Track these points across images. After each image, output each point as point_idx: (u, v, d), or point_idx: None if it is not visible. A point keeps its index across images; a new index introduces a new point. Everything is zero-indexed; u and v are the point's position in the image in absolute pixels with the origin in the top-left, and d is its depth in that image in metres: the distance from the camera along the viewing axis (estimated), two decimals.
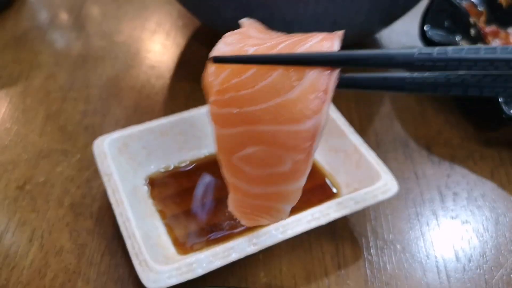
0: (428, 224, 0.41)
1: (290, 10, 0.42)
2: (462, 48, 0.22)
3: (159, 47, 0.59)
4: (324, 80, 0.24)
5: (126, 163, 0.40)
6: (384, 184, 0.37)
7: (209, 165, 0.42)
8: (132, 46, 0.59)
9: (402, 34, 0.60)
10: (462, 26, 0.52)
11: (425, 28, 0.50)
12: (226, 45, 0.26)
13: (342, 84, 0.26)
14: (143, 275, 0.32)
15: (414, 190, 0.43)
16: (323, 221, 0.35)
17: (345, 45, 0.53)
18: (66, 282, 0.37)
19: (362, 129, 0.48)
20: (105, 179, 0.37)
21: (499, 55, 0.22)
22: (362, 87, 0.26)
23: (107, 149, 0.39)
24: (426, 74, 0.24)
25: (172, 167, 0.42)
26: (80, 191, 0.43)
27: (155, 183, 0.41)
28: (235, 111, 0.25)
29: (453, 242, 0.40)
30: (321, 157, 0.43)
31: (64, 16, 0.64)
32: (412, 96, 0.52)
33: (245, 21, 0.29)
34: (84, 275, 0.37)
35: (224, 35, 0.27)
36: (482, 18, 0.56)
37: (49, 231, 0.40)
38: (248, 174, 0.27)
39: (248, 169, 0.26)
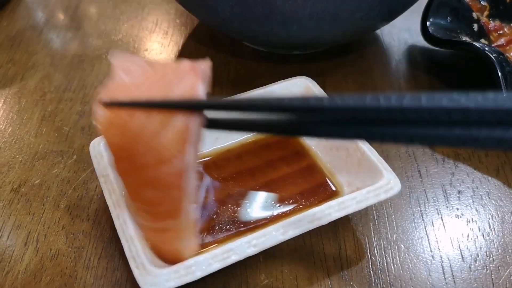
0: (432, 224, 0.40)
1: (289, 7, 0.41)
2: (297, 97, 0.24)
3: (157, 46, 0.58)
4: (187, 124, 0.27)
5: None
6: (387, 183, 0.36)
7: (207, 166, 0.41)
8: (130, 45, 0.58)
9: (404, 30, 0.59)
10: (464, 21, 0.52)
11: (427, 24, 0.49)
12: (108, 96, 0.29)
13: (210, 125, 0.29)
14: (141, 279, 0.31)
15: (418, 189, 0.42)
16: (324, 221, 0.34)
17: (346, 42, 0.52)
18: (62, 286, 0.36)
19: None
20: (101, 180, 0.37)
21: (381, 104, 0.21)
22: (228, 128, 0.29)
23: (104, 150, 0.38)
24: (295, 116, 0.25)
25: None
26: (77, 193, 0.42)
27: None
28: (126, 163, 0.30)
29: (458, 242, 0.39)
30: (322, 155, 0.42)
31: (59, 16, 0.63)
32: (413, 91, 0.51)
33: (113, 60, 0.31)
34: (80, 279, 0.36)
35: (100, 95, 0.29)
36: (485, 13, 0.55)
37: (44, 234, 0.39)
38: (150, 214, 0.32)
39: (148, 209, 0.32)
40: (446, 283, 0.36)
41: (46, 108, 0.49)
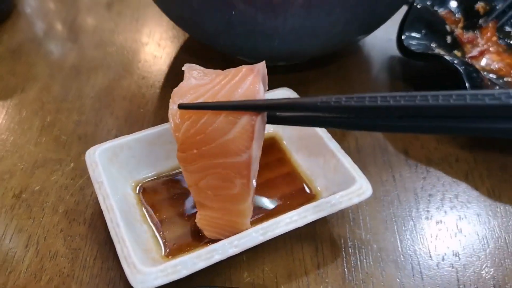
0: (404, 225, 0.43)
1: (270, 25, 0.44)
2: (351, 97, 0.28)
3: (150, 57, 0.61)
4: (251, 123, 0.32)
5: (116, 171, 0.42)
6: (359, 188, 0.39)
7: None
8: (124, 57, 0.61)
9: (384, 41, 0.62)
10: (438, 34, 0.55)
11: (402, 37, 0.52)
12: (181, 96, 0.35)
13: (273, 121, 0.35)
14: (132, 277, 0.34)
15: (392, 193, 0.46)
16: (300, 223, 0.37)
17: (328, 53, 0.55)
18: (61, 285, 0.39)
19: (343, 136, 0.50)
20: (96, 186, 0.40)
21: (379, 103, 0.27)
22: (289, 123, 0.36)
23: (98, 158, 0.41)
24: (333, 114, 0.30)
25: (160, 174, 0.44)
26: (74, 199, 0.45)
27: (144, 190, 0.43)
28: (195, 151, 0.34)
29: (427, 242, 0.42)
30: (302, 162, 0.45)
31: (58, 28, 0.66)
32: None
33: (185, 69, 0.37)
34: (77, 278, 0.39)
35: (174, 89, 0.35)
36: (460, 25, 0.58)
37: (44, 237, 0.42)
38: (210, 195, 0.36)
39: (209, 192, 0.36)
40: (414, 280, 0.39)
41: (45, 118, 0.52)
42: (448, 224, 0.43)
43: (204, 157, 0.34)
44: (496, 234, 0.43)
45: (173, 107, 0.35)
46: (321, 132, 0.44)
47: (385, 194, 0.45)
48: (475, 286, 0.39)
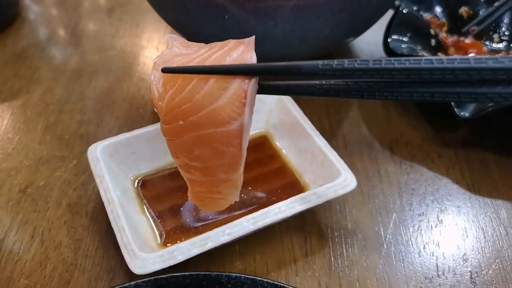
0: (387, 217, 0.46)
1: (261, 29, 0.47)
2: (355, 60, 0.28)
3: (148, 61, 0.64)
4: (244, 88, 0.30)
5: (116, 166, 0.45)
6: (344, 180, 0.42)
7: None
8: (124, 60, 0.64)
9: (372, 44, 0.65)
10: (423, 37, 0.58)
11: (388, 40, 0.54)
12: (163, 62, 0.32)
13: (263, 90, 0.32)
14: (131, 262, 0.37)
15: (377, 187, 0.48)
16: (288, 213, 0.40)
17: (317, 56, 0.58)
18: (64, 273, 0.42)
19: (331, 133, 0.53)
20: (97, 180, 0.42)
21: (383, 65, 0.26)
22: (281, 92, 0.34)
23: (100, 154, 0.44)
24: (332, 81, 0.30)
25: (158, 170, 0.47)
26: (77, 193, 0.48)
27: (143, 184, 0.46)
28: (181, 123, 0.31)
29: (409, 232, 0.44)
30: (291, 158, 0.48)
31: (60, 34, 0.69)
32: (378, 102, 0.57)
33: (167, 38, 0.34)
34: (80, 266, 0.42)
35: (156, 57, 0.32)
36: (444, 29, 0.61)
37: (48, 229, 0.45)
38: (199, 169, 0.33)
39: (198, 165, 0.33)
40: (395, 267, 0.42)
41: (49, 118, 0.55)
42: (430, 216, 0.46)
43: (192, 128, 0.31)
44: (475, 225, 0.45)
45: (155, 74, 0.32)
46: (309, 129, 0.46)
47: (371, 188, 0.48)
48: (453, 272, 0.42)
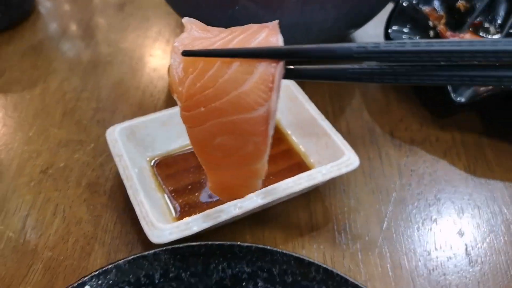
0: (388, 195, 0.48)
1: (269, 19, 0.50)
2: (391, 43, 0.26)
3: (160, 52, 0.67)
4: (271, 72, 0.28)
5: (133, 147, 0.47)
6: (348, 159, 0.45)
7: None
8: (136, 52, 0.67)
9: (374, 36, 0.68)
10: (422, 28, 0.60)
11: (388, 31, 0.57)
12: (183, 46, 0.30)
13: (289, 75, 0.30)
14: (149, 233, 0.39)
15: (378, 169, 0.51)
16: (295, 189, 0.42)
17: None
18: (86, 246, 0.44)
19: (335, 119, 0.56)
20: (116, 159, 0.45)
21: (423, 47, 0.25)
22: (309, 77, 0.31)
23: (118, 135, 0.47)
24: (364, 65, 0.28)
25: (173, 151, 0.50)
26: (95, 173, 0.50)
27: (158, 164, 0.49)
28: (202, 109, 0.30)
29: (408, 209, 0.47)
30: (298, 140, 0.51)
31: (74, 27, 0.72)
32: (379, 89, 0.60)
33: (185, 22, 0.33)
34: (100, 239, 0.45)
35: (175, 40, 0.31)
36: (442, 21, 0.64)
37: (69, 206, 0.48)
38: (220, 158, 0.32)
39: (219, 154, 0.32)
40: (395, 240, 0.45)
41: (67, 105, 0.58)
42: (428, 194, 0.49)
43: (214, 115, 0.30)
44: (471, 203, 0.48)
45: (175, 57, 0.30)
46: (315, 114, 0.49)
47: (372, 169, 0.51)
48: (450, 246, 0.44)
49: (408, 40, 0.26)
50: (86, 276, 0.37)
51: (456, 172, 0.51)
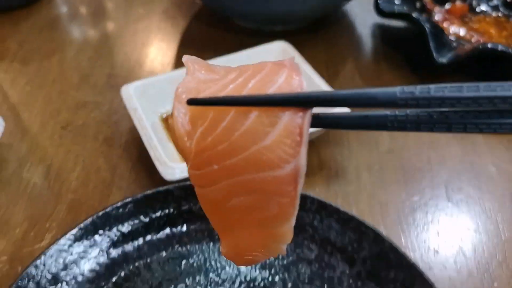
0: (377, 146, 0.53)
1: None
2: (444, 87, 0.22)
3: (166, 25, 0.72)
4: (298, 123, 0.24)
5: (146, 103, 0.52)
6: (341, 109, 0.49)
7: None
8: (146, 26, 0.72)
9: (366, 11, 0.73)
10: (410, 0, 0.65)
11: (378, 1, 0.62)
12: (187, 92, 0.26)
13: (318, 124, 0.25)
14: (163, 171, 0.44)
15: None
16: None
17: (317, 16, 0.65)
18: (104, 190, 0.49)
19: (330, 83, 0.61)
20: (131, 112, 0.50)
21: (482, 93, 0.22)
22: (341, 126, 0.26)
23: (133, 92, 0.52)
24: (408, 111, 0.23)
25: None
26: (111, 130, 0.55)
27: (168, 120, 0.53)
28: (215, 167, 0.25)
29: (396, 158, 0.52)
30: None
31: (87, 5, 0.77)
32: (371, 57, 0.65)
33: (186, 61, 0.28)
34: (117, 184, 0.50)
35: (178, 86, 0.26)
36: None
37: (88, 157, 0.53)
38: (238, 221, 0.27)
39: (237, 217, 0.27)
40: (383, 185, 0.50)
41: (83, 71, 0.63)
42: (414, 147, 0.54)
43: (229, 174, 0.25)
44: (453, 149, 0.53)
45: (179, 108, 0.25)
46: (311, 74, 0.54)
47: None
48: (431, 180, 0.49)
49: (465, 84, 0.22)
50: (108, 206, 0.42)
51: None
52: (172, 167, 0.45)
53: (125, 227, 0.43)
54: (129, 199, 0.43)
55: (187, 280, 0.41)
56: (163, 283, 0.41)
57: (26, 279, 0.38)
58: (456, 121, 0.23)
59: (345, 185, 0.50)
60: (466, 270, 0.43)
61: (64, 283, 0.40)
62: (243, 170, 0.25)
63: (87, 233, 0.41)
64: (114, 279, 0.41)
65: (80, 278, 0.40)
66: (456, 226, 0.46)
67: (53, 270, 0.40)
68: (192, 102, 0.25)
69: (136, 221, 0.43)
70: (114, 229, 0.42)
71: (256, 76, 0.26)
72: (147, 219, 0.43)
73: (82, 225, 0.41)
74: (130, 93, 0.52)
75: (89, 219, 0.41)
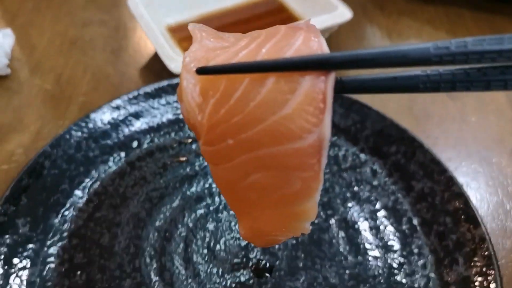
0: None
1: None
2: (483, 39, 0.20)
3: None
4: (321, 88, 0.22)
5: (152, 13, 0.54)
6: (341, 12, 0.51)
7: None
8: None
9: None
10: None
11: None
12: (196, 61, 0.23)
13: (342, 89, 0.23)
14: (170, 64, 0.46)
15: (368, 33, 0.57)
16: None
17: None
18: (115, 92, 0.51)
19: None
20: (138, 18, 0.51)
21: None
22: (368, 90, 0.23)
23: (139, 0, 0.53)
24: (442, 70, 0.21)
25: (187, 19, 0.56)
26: (118, 43, 0.57)
27: (174, 29, 0.55)
28: (230, 142, 0.23)
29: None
30: (297, 9, 0.57)
31: None
32: None
33: (192, 28, 0.26)
34: (126, 87, 0.51)
35: (185, 54, 0.24)
36: None
37: (97, 66, 0.54)
38: (256, 200, 0.25)
39: (255, 196, 0.24)
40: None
41: None
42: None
43: (246, 149, 0.23)
44: None
45: (187, 78, 0.23)
46: None
47: (362, 31, 0.57)
48: None
49: (506, 35, 0.20)
50: (119, 97, 0.44)
51: (439, 36, 0.57)
52: (178, 60, 0.46)
53: (134, 108, 0.44)
54: (139, 91, 0.45)
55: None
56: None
57: (43, 157, 0.40)
58: (496, 78, 0.20)
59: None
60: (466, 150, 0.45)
61: (78, 162, 0.41)
62: (261, 144, 0.22)
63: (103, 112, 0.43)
64: (125, 158, 0.43)
65: (91, 155, 0.42)
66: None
67: (68, 151, 0.41)
68: (202, 71, 0.22)
69: (148, 104, 0.45)
70: (123, 111, 0.44)
71: (270, 41, 0.23)
72: (163, 102, 0.45)
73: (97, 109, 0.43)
74: (136, 1, 0.53)
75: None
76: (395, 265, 0.36)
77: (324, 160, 0.22)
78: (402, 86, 0.22)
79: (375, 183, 0.41)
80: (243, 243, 0.37)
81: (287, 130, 0.22)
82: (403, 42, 0.56)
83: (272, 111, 0.22)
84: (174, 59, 0.46)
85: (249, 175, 0.23)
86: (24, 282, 0.34)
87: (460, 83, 0.21)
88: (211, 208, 0.39)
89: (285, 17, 0.57)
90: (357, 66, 0.21)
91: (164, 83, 0.46)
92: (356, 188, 0.40)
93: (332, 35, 0.56)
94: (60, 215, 0.38)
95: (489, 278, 0.32)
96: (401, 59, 0.21)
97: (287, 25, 0.24)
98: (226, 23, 0.56)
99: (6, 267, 0.34)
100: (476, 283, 0.33)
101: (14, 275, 0.34)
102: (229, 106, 0.22)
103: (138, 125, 0.44)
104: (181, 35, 0.54)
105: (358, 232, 0.38)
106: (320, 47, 0.22)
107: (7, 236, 0.36)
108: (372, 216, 0.39)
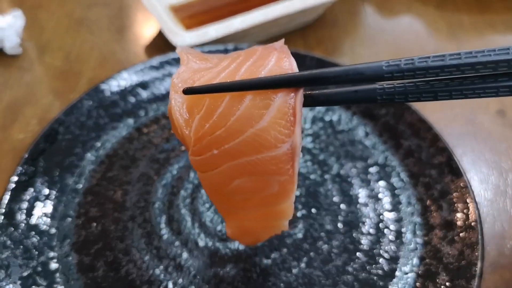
0: (371, 25, 0.58)
1: None
2: (428, 57, 0.23)
3: None
4: (291, 103, 0.25)
5: None
6: None
7: None
8: None
9: None
10: None
11: None
12: (183, 82, 0.27)
13: (309, 102, 0.26)
14: (173, 39, 0.49)
15: (360, 8, 0.60)
16: (292, 8, 0.52)
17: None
18: (121, 68, 0.54)
19: None
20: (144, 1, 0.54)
21: (463, 60, 0.22)
22: (334, 102, 0.27)
23: None
24: (396, 83, 0.24)
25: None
26: (122, 23, 0.60)
27: (177, 9, 0.58)
28: (215, 152, 0.26)
29: (381, 34, 0.57)
30: None
31: None
32: None
33: (180, 51, 0.30)
34: (133, 62, 0.54)
35: (173, 76, 0.28)
36: None
37: (104, 44, 0.57)
38: (240, 202, 0.28)
39: (239, 198, 0.28)
40: (377, 57, 0.54)
41: None
42: (403, 20, 0.58)
43: (229, 157, 0.26)
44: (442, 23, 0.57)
45: (175, 98, 0.27)
46: None
47: (355, 8, 0.60)
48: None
49: (447, 53, 0.23)
50: (126, 69, 0.47)
51: (428, 12, 0.60)
52: (182, 35, 0.49)
53: (140, 79, 0.47)
54: (145, 64, 0.48)
55: None
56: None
57: (57, 124, 0.43)
58: (441, 89, 0.23)
59: (341, 56, 0.54)
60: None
61: (90, 128, 0.44)
62: (242, 153, 0.26)
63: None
64: (134, 125, 0.46)
65: (101, 122, 0.45)
66: None
67: (80, 118, 0.44)
68: (188, 91, 0.26)
69: (153, 76, 0.48)
70: (131, 82, 0.47)
71: (247, 61, 0.27)
72: (167, 73, 0.48)
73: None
74: None
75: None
76: (385, 213, 0.39)
77: (297, 165, 0.26)
78: (362, 98, 0.25)
79: (367, 143, 0.44)
80: None
81: (264, 140, 0.25)
82: (394, 18, 0.59)
83: (250, 125, 0.25)
84: (177, 34, 0.49)
85: (233, 180, 0.27)
86: (45, 233, 0.37)
87: (412, 94, 0.24)
88: None
89: None
90: (321, 83, 0.25)
91: (168, 56, 0.49)
92: (349, 148, 0.43)
93: (327, 11, 0.59)
94: (75, 175, 0.41)
95: (470, 218, 0.36)
96: (358, 76, 0.24)
97: (263, 46, 0.28)
98: (227, 1, 0.59)
99: (27, 220, 0.38)
100: (459, 223, 0.36)
101: (35, 227, 0.37)
102: (213, 121, 0.26)
103: (145, 95, 0.47)
104: (184, 14, 0.57)
105: (350, 185, 0.41)
106: (290, 67, 0.26)
107: (28, 193, 0.39)
108: (364, 171, 0.42)
